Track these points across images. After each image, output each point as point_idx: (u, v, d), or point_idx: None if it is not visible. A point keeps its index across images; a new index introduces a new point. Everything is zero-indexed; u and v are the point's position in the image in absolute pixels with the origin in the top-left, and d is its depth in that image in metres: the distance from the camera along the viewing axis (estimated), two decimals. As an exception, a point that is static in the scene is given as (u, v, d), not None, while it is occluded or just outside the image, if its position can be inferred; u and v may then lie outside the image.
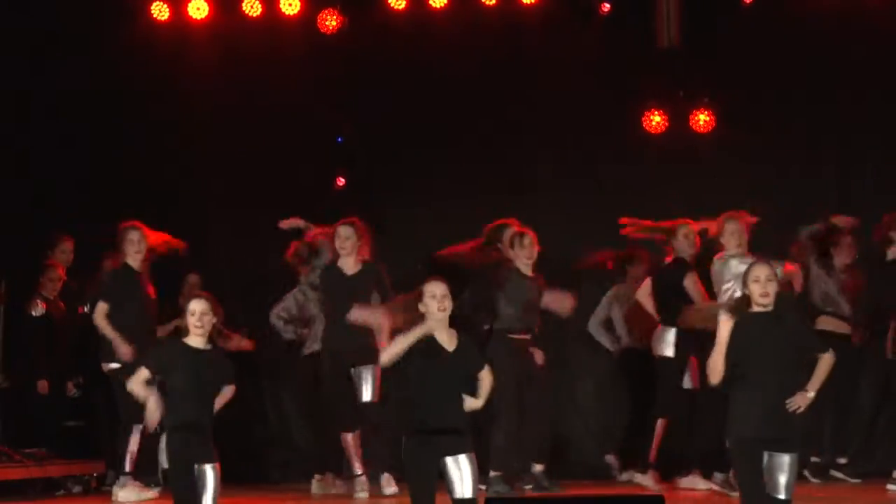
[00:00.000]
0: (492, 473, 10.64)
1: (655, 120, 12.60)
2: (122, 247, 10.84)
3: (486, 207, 12.65)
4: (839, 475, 11.38)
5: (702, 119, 12.54)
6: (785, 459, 7.79)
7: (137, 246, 10.78)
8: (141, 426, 10.48)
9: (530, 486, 11.06)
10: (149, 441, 10.67)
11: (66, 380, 12.07)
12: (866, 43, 12.42)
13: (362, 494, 10.61)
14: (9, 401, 11.98)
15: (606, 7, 12.77)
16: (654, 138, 12.62)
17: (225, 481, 11.05)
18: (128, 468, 10.71)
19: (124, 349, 10.59)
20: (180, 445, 8.27)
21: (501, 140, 12.91)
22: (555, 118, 12.77)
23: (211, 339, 8.40)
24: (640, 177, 12.67)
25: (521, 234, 11.02)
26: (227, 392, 8.50)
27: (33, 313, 11.83)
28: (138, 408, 10.15)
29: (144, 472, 11.07)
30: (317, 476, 11.36)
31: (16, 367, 11.99)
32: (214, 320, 8.38)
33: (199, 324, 8.33)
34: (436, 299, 7.85)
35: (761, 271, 7.95)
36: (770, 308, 7.93)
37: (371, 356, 10.46)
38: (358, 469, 10.81)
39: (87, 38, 12.99)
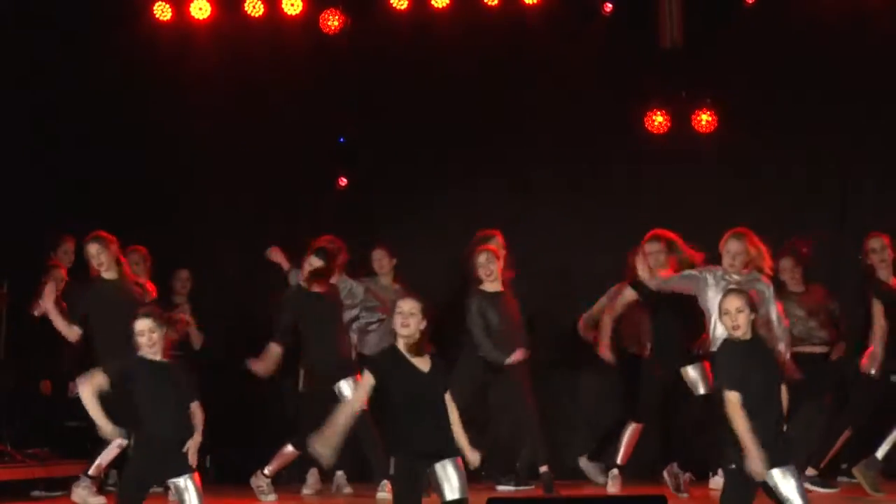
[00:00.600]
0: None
1: (658, 120, 12.60)
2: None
3: (488, 208, 12.69)
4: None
5: (704, 119, 12.54)
6: (787, 472, 7.84)
7: (98, 258, 10.60)
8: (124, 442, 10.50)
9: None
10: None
11: (69, 380, 12.05)
12: (867, 43, 12.43)
13: (383, 495, 10.61)
14: (11, 401, 11.96)
15: (609, 7, 12.77)
16: (656, 138, 12.62)
17: (225, 482, 11.14)
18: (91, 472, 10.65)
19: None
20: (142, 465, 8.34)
21: (503, 140, 12.90)
22: (557, 118, 12.77)
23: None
24: (642, 177, 12.68)
25: (479, 250, 11.10)
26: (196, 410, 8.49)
27: (35, 314, 11.81)
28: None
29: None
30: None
31: (18, 368, 11.98)
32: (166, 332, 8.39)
33: (148, 342, 8.37)
34: (401, 315, 7.92)
35: (730, 303, 7.95)
36: (748, 337, 7.95)
37: (352, 369, 10.65)
38: (269, 472, 10.91)
39: (89, 39, 12.97)
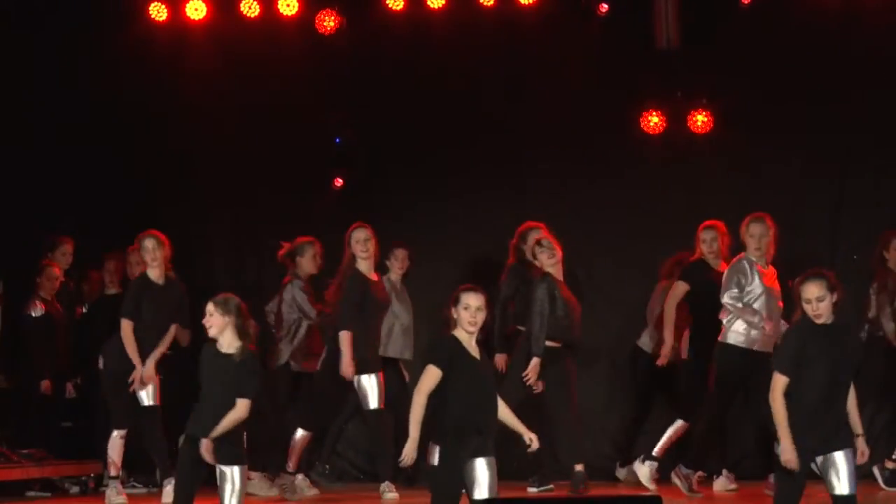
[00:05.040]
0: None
1: (653, 120, 12.57)
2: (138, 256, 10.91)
3: (483, 208, 12.71)
4: None
5: (700, 120, 12.52)
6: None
7: (153, 254, 10.73)
8: (122, 431, 10.57)
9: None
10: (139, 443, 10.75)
11: (65, 380, 12.08)
12: (865, 43, 12.39)
13: (390, 495, 10.70)
14: (7, 401, 11.98)
15: (605, 8, 12.74)
16: (652, 139, 12.60)
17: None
18: (112, 472, 10.76)
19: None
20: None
21: (499, 140, 12.89)
22: (553, 118, 12.76)
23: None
24: (638, 177, 12.65)
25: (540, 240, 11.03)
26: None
27: (32, 314, 11.83)
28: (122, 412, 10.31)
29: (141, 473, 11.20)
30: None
31: (15, 368, 11.99)
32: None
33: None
34: (469, 311, 7.92)
35: (810, 292, 7.88)
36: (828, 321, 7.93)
37: (369, 365, 10.74)
38: (292, 467, 11.03)
39: (86, 39, 12.98)
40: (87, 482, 11.80)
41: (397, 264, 11.97)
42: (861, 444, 7.90)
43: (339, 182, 13.11)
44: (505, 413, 8.05)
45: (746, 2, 12.52)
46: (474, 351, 7.95)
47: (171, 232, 12.52)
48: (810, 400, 7.72)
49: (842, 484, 7.78)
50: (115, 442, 10.63)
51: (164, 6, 13.13)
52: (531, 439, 8.06)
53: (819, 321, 7.81)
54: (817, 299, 7.81)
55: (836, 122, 12.35)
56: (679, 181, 12.53)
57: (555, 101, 12.76)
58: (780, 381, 7.73)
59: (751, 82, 12.45)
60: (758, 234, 10.46)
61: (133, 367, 10.51)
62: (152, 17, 13.15)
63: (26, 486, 11.51)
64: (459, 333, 7.94)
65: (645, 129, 12.60)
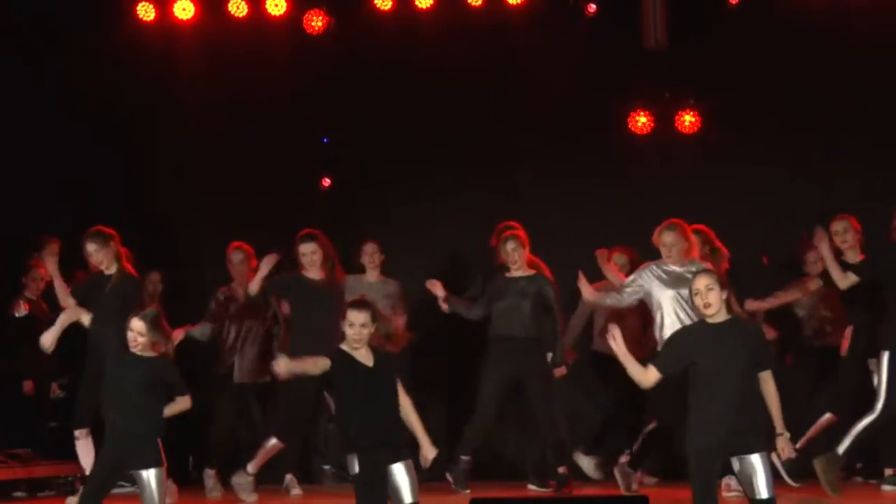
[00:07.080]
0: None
1: (641, 120, 12.62)
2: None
3: (471, 208, 12.69)
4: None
5: (687, 120, 12.56)
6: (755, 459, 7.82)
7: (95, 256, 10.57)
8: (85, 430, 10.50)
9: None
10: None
11: (51, 380, 12.04)
12: (851, 43, 12.45)
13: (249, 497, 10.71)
14: (-7, 401, 11.97)
15: (593, 7, 12.78)
16: (639, 139, 12.65)
17: (224, 483, 11.08)
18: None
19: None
20: (109, 454, 8.35)
21: (487, 140, 12.91)
22: (540, 118, 12.78)
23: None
24: (625, 177, 12.68)
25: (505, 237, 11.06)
26: (178, 404, 8.59)
27: (16, 314, 11.79)
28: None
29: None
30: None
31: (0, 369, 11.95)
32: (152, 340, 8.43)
33: (134, 343, 8.41)
34: (353, 329, 8.07)
35: (700, 282, 8.01)
36: (719, 318, 7.99)
37: None
38: (252, 469, 10.81)
39: (72, 39, 12.97)
40: (74, 482, 11.74)
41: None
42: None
43: (326, 182, 13.11)
44: (410, 419, 8.19)
45: (734, 2, 12.56)
46: (366, 359, 8.09)
47: (157, 232, 12.60)
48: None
49: None
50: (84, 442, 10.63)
51: (151, 6, 13.13)
52: (425, 459, 8.22)
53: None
54: (707, 288, 7.99)
55: (824, 123, 12.39)
56: (666, 181, 12.54)
57: (542, 100, 12.78)
58: None
59: (739, 82, 12.48)
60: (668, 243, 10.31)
61: None
62: (140, 16, 13.15)
63: (13, 486, 11.46)
64: (346, 345, 8.14)
65: (633, 129, 12.64)
